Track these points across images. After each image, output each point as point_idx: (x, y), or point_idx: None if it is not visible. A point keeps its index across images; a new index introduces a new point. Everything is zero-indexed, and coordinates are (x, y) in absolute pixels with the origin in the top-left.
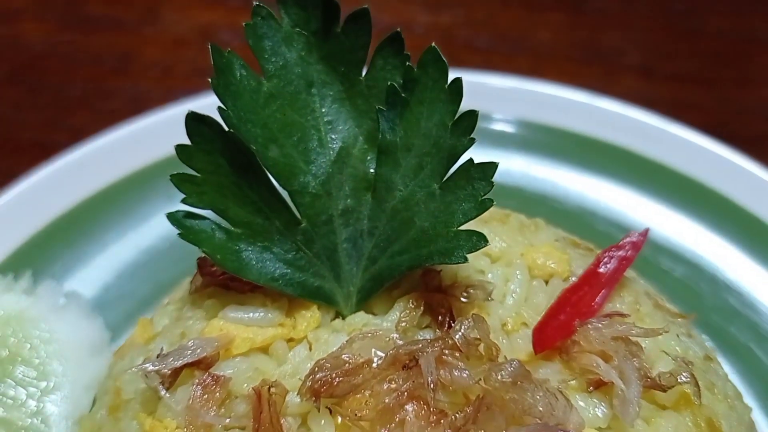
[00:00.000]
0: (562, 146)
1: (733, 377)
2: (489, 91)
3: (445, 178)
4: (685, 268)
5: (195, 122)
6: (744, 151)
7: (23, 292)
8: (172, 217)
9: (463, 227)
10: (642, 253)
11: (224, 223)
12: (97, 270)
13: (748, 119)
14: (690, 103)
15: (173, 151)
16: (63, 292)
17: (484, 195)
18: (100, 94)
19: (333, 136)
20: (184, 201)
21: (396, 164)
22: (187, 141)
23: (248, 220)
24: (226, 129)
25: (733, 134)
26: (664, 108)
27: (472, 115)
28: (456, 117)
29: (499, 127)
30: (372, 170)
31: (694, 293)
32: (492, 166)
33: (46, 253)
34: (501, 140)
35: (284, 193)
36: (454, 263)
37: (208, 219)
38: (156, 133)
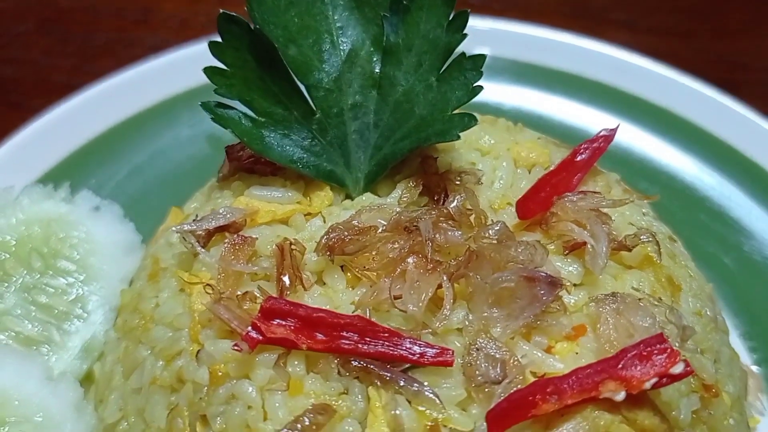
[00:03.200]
0: (549, 82)
1: None
2: (484, 33)
3: (441, 71)
4: (660, 187)
5: (226, 21)
6: None
7: (62, 200)
8: (206, 106)
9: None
10: (621, 174)
11: (250, 113)
12: (127, 186)
13: (722, 67)
14: (669, 54)
15: (194, 84)
16: (98, 201)
17: (475, 83)
18: (123, 43)
19: (343, 40)
20: (215, 91)
21: (398, 63)
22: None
23: (270, 110)
24: (252, 28)
25: (708, 80)
26: None
27: (463, 15)
28: (450, 18)
29: (492, 64)
30: (377, 70)
31: (666, 210)
32: (481, 57)
33: (81, 169)
34: (493, 76)
35: (302, 88)
36: (448, 141)
37: (235, 109)
38: (178, 68)
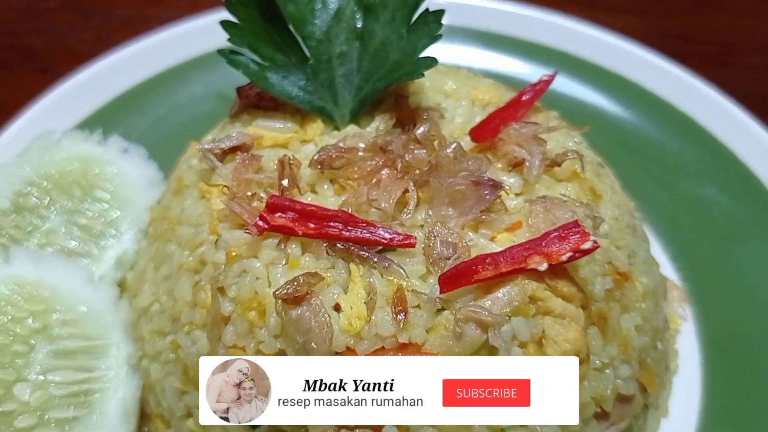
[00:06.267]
0: (513, 48)
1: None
2: (458, 7)
3: (410, 24)
4: (605, 138)
5: None
6: None
7: (97, 143)
8: (222, 52)
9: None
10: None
11: (256, 58)
12: (150, 134)
13: (673, 42)
14: (625, 29)
15: (205, 50)
16: (126, 144)
17: (436, 33)
18: (139, 19)
19: (332, 0)
20: (228, 40)
21: (376, 18)
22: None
23: (273, 56)
24: None
25: (659, 52)
26: None
27: None
28: None
29: (464, 33)
30: (359, 25)
31: (610, 154)
32: (441, 12)
33: (111, 119)
34: (464, 43)
35: (299, 39)
36: (416, 79)
37: (245, 55)
38: (192, 36)
